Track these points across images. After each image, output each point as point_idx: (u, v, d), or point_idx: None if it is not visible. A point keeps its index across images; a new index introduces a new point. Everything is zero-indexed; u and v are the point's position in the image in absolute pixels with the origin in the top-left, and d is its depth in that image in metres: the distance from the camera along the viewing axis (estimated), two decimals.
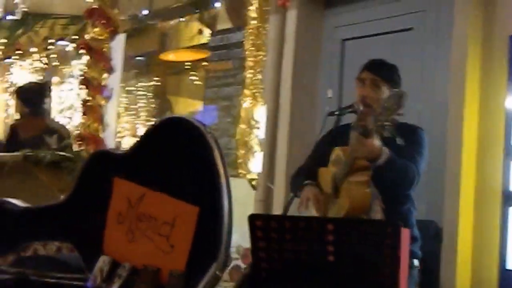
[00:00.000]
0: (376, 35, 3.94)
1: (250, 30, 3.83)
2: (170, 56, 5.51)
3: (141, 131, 6.61)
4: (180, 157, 1.79)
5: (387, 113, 2.33)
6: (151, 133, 1.84)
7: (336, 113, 2.74)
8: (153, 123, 1.82)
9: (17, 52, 5.98)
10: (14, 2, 4.07)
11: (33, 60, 6.67)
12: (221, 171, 1.68)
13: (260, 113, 3.73)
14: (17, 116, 4.83)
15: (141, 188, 1.89)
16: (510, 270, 2.98)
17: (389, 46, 3.85)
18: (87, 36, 3.13)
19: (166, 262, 1.84)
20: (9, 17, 4.43)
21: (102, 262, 1.96)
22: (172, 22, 4.38)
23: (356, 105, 2.73)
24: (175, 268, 1.79)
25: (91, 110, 3.08)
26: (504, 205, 3.04)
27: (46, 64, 6.80)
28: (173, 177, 1.81)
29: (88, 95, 3.11)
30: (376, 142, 2.47)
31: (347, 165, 2.57)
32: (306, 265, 2.05)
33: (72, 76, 6.33)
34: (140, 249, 1.92)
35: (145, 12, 4.18)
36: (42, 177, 3.06)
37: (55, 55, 6.43)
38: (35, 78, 7.13)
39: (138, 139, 1.87)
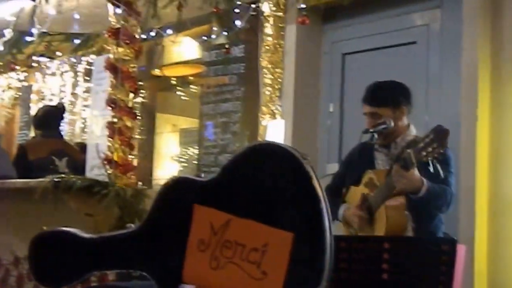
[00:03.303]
0: (377, 49, 4.00)
1: (267, 47, 3.83)
2: (163, 71, 5.39)
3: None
4: (269, 184, 1.78)
5: (431, 147, 2.33)
6: (238, 159, 1.82)
7: (371, 130, 2.75)
8: (239, 149, 1.81)
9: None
10: (32, 20, 3.94)
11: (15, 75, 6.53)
12: (321, 197, 1.69)
13: (278, 130, 3.74)
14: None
15: (226, 215, 1.87)
16: None
17: (392, 60, 3.90)
18: (111, 56, 3.07)
19: None
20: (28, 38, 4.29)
21: None
22: (170, 38, 4.33)
23: (388, 121, 2.75)
24: None
25: (118, 132, 3.01)
26: None
27: (23, 80, 6.64)
28: (262, 204, 1.80)
29: (115, 117, 3.04)
30: (416, 173, 2.50)
31: (385, 193, 2.59)
32: (360, 284, 2.09)
33: (53, 94, 6.17)
34: (227, 276, 1.90)
35: (169, 31, 4.11)
36: (70, 203, 2.96)
37: (37, 72, 6.30)
38: (11, 94, 6.96)
39: (222, 166, 1.85)
